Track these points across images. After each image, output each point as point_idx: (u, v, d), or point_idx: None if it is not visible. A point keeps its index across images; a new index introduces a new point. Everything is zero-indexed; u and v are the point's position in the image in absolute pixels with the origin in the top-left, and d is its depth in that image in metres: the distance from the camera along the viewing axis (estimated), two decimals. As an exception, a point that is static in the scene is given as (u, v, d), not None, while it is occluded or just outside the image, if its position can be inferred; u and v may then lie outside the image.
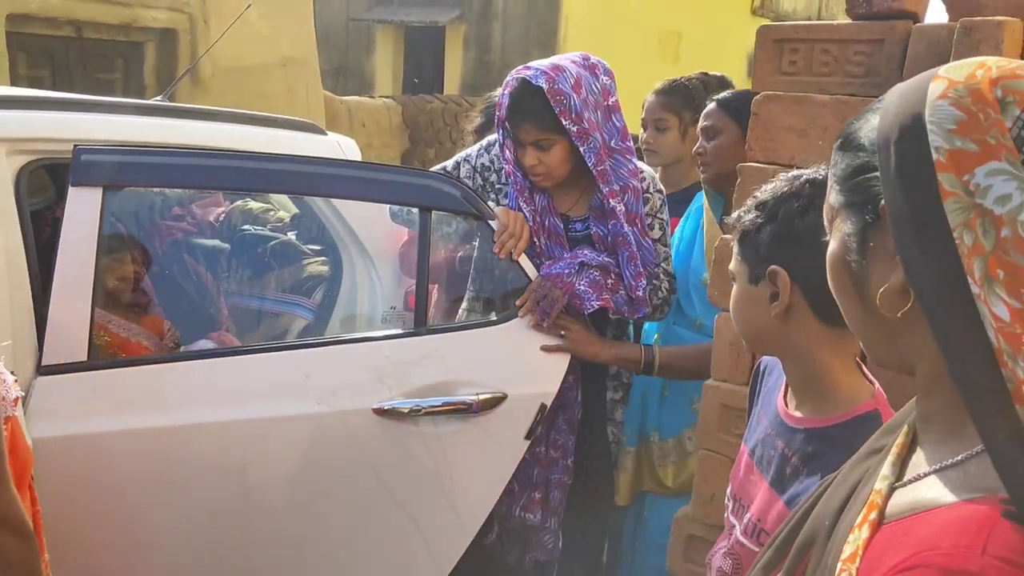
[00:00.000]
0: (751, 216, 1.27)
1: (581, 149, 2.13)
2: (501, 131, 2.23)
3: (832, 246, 0.81)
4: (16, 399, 1.51)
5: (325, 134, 2.93)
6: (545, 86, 2.09)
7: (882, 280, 0.73)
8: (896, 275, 0.71)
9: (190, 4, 7.20)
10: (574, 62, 2.17)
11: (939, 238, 0.66)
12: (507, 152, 2.24)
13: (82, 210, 1.90)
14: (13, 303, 1.85)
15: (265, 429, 1.97)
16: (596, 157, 2.16)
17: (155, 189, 2.91)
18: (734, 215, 1.33)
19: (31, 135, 2.03)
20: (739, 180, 1.91)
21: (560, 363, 2.17)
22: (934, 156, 0.66)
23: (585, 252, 2.24)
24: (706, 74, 2.92)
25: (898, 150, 0.69)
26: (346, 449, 2.01)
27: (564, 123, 2.09)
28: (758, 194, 1.29)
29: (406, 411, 2.02)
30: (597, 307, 2.16)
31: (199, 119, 2.56)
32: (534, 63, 2.20)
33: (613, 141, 2.21)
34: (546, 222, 2.27)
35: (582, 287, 2.16)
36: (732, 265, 1.34)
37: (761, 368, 1.53)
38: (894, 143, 0.69)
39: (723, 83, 2.90)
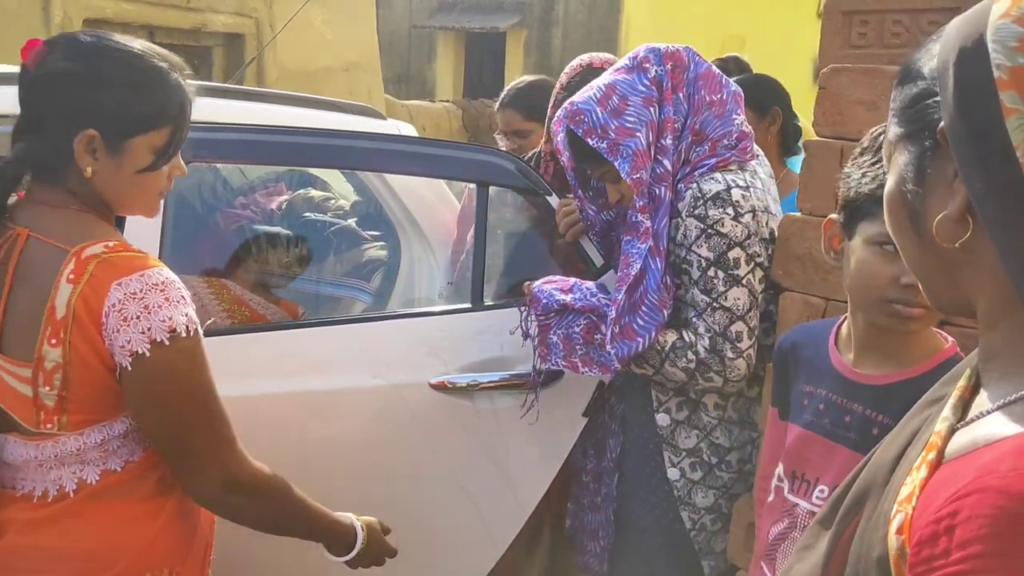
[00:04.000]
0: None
1: (615, 163, 1.86)
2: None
3: (889, 183, 0.79)
4: None
5: (384, 119, 2.97)
6: (572, 125, 1.91)
7: (940, 209, 0.71)
8: (954, 202, 0.70)
9: (257, 9, 7.38)
10: (616, 69, 1.96)
11: (1002, 155, 0.65)
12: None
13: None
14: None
15: (323, 401, 1.98)
16: (631, 165, 1.84)
17: (219, 176, 2.98)
18: (853, 178, 1.26)
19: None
20: (805, 157, 1.86)
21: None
22: (995, 73, 0.65)
23: (585, 288, 1.95)
24: (721, 58, 2.89)
25: (958, 70, 0.68)
26: (403, 422, 2.02)
27: (591, 142, 1.86)
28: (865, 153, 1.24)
29: (462, 386, 2.03)
30: (558, 367, 1.96)
31: (266, 102, 2.63)
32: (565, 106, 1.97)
33: (664, 138, 1.90)
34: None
35: (554, 338, 1.94)
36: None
37: (785, 345, 1.51)
38: (954, 64, 0.68)
39: (740, 65, 2.87)
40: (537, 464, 2.14)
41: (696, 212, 1.81)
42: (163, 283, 1.27)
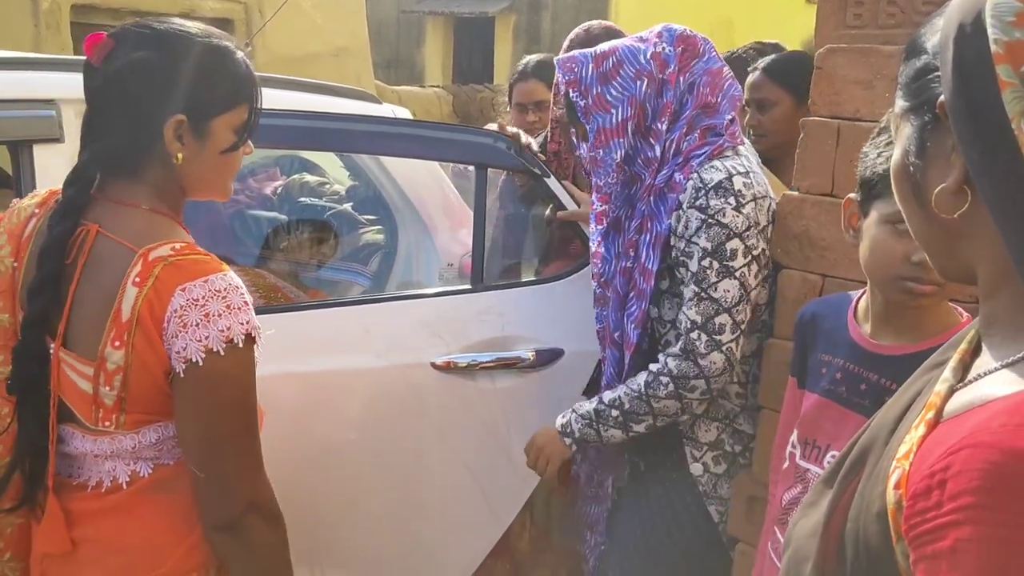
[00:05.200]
0: None
1: (585, 127, 1.86)
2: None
3: (895, 155, 0.81)
4: None
5: (380, 103, 2.97)
6: (561, 72, 1.89)
7: (940, 180, 0.74)
8: (953, 174, 0.72)
9: (246, -6, 7.34)
10: (630, 37, 1.94)
11: (998, 128, 0.67)
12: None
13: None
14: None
15: (327, 381, 2.00)
16: (594, 139, 1.84)
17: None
18: (869, 158, 1.28)
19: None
20: (802, 136, 1.88)
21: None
22: (993, 48, 0.67)
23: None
24: (761, 43, 2.89)
25: (957, 45, 0.70)
26: (406, 402, 2.05)
27: (571, 94, 1.86)
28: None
29: (463, 365, 2.06)
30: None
31: (262, 86, 2.61)
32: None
33: (653, 121, 1.84)
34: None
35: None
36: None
37: (806, 317, 1.54)
38: (954, 39, 0.70)
39: (779, 51, 2.86)
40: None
41: (697, 203, 1.76)
42: (226, 289, 1.25)
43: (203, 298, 1.23)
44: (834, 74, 1.82)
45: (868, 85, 1.79)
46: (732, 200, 1.75)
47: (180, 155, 1.29)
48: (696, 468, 1.89)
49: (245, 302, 1.27)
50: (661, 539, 1.94)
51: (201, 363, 1.23)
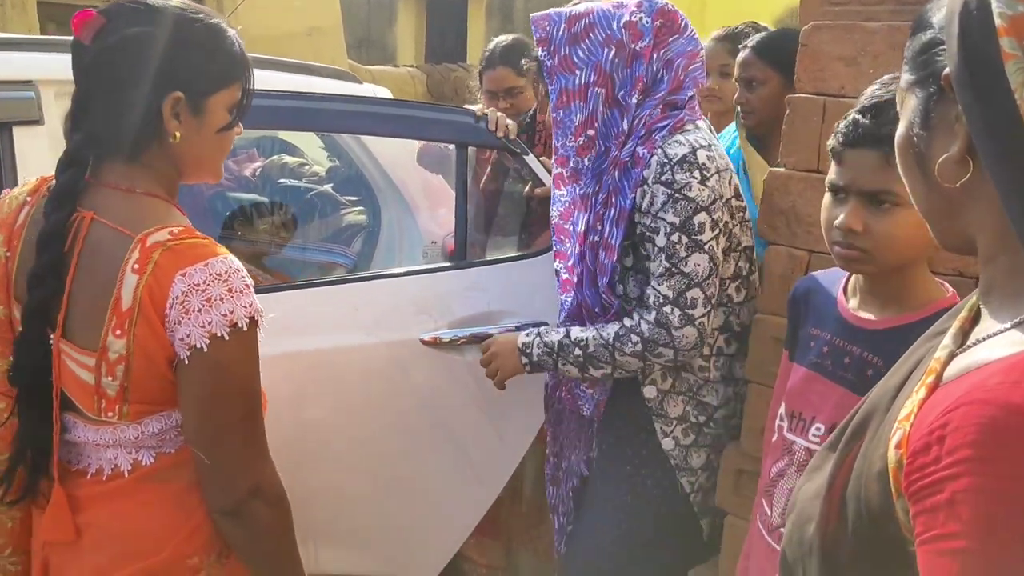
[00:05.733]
0: None
1: (548, 85, 1.87)
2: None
3: (900, 127, 0.84)
4: None
5: (360, 83, 2.95)
6: (534, 27, 1.88)
7: (943, 151, 0.76)
8: (956, 144, 0.75)
9: (216, -28, 7.21)
10: (611, 2, 1.87)
11: (1001, 98, 0.69)
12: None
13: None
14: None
15: (318, 360, 2.01)
16: (556, 100, 1.85)
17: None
18: (884, 130, 1.28)
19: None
20: (788, 113, 1.89)
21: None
22: (997, 22, 0.69)
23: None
24: (756, 24, 2.91)
25: (962, 19, 0.72)
26: (396, 377, 2.09)
27: (540, 51, 1.85)
28: (890, 99, 1.26)
29: (452, 340, 2.10)
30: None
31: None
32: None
33: (622, 93, 1.82)
34: None
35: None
36: (894, 189, 1.29)
37: (799, 291, 1.57)
38: (959, 14, 0.72)
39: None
40: (524, 412, 2.23)
41: (663, 178, 1.75)
42: (227, 272, 1.23)
43: (204, 283, 1.21)
44: (819, 51, 1.84)
45: (852, 61, 1.80)
46: (697, 174, 1.75)
47: (178, 133, 1.27)
48: (668, 443, 1.91)
49: (247, 285, 1.25)
50: (633, 515, 1.95)
51: (206, 349, 1.21)
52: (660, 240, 1.77)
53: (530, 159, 2.37)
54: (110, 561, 1.31)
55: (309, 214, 3.01)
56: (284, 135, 3.37)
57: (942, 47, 0.76)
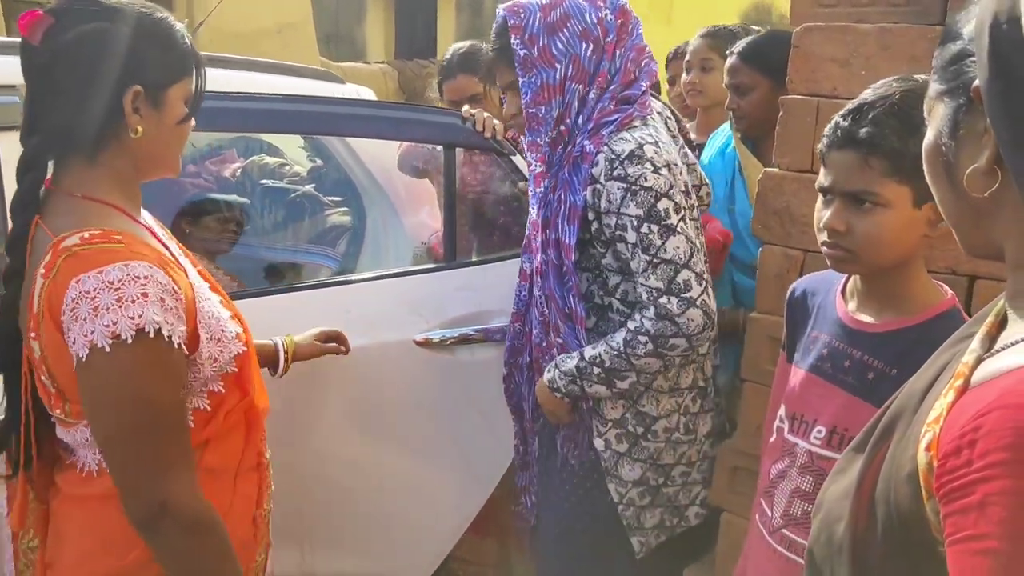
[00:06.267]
0: (914, 136, 1.22)
1: (520, 81, 1.80)
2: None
3: (928, 136, 0.84)
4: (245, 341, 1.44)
5: (343, 83, 2.93)
6: (507, 14, 1.81)
7: (971, 161, 0.77)
8: (984, 155, 0.75)
9: (185, -32, 7.12)
10: None
11: None
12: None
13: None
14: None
15: (312, 362, 1.99)
16: (533, 95, 1.79)
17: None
18: (862, 131, 1.30)
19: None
20: (781, 114, 1.90)
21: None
22: None
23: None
24: (744, 26, 2.95)
25: (992, 31, 0.72)
26: (391, 378, 2.11)
27: (514, 41, 1.78)
28: (889, 108, 1.28)
29: (444, 340, 2.12)
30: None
31: (222, 67, 2.55)
32: None
33: (591, 91, 1.81)
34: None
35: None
36: (870, 190, 1.31)
37: (797, 293, 1.57)
38: (990, 27, 0.73)
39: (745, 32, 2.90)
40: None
41: (615, 173, 1.73)
42: (120, 280, 1.18)
43: (94, 290, 1.18)
44: (811, 52, 1.85)
45: (844, 63, 1.82)
46: (648, 165, 1.74)
47: (139, 127, 1.27)
48: (598, 443, 1.89)
49: (143, 295, 1.19)
50: (574, 509, 1.95)
51: (84, 359, 1.18)
52: (630, 236, 1.74)
53: (517, 159, 2.37)
54: (83, 556, 1.32)
55: (292, 215, 2.98)
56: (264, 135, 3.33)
57: (972, 58, 0.77)
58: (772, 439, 1.54)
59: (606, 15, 1.82)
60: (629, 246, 1.75)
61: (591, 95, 1.80)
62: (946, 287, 1.38)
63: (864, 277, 1.39)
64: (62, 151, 1.28)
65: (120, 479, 1.26)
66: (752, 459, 1.92)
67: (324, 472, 2.09)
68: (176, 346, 1.24)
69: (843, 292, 1.47)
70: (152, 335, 1.20)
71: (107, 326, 1.17)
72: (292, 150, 3.43)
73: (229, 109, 2.04)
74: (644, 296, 1.76)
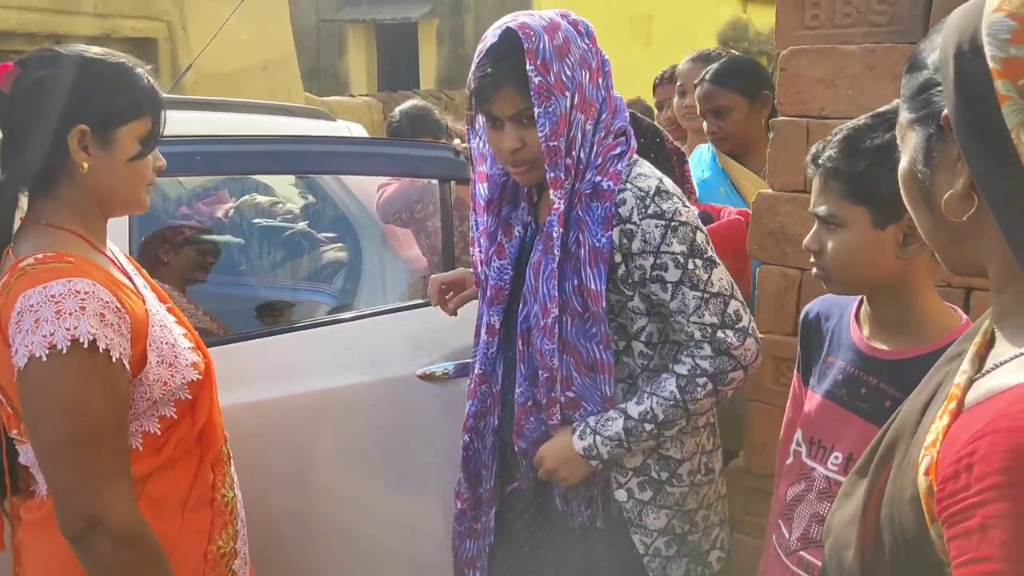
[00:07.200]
0: (863, 160, 1.28)
1: (536, 111, 1.58)
2: (472, 116, 1.75)
3: (903, 162, 0.86)
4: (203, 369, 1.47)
5: (335, 120, 2.95)
6: (521, 33, 1.58)
7: (947, 187, 0.78)
8: (959, 181, 0.77)
9: (167, 12, 7.17)
10: (553, 15, 1.66)
11: (999, 139, 0.71)
12: (479, 144, 1.77)
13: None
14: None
15: (314, 401, 2.02)
16: (552, 126, 1.58)
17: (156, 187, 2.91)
18: (823, 156, 1.34)
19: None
20: (772, 136, 1.94)
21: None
22: (991, 65, 0.71)
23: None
24: (726, 50, 3.03)
25: (957, 62, 0.74)
26: (395, 413, 2.11)
27: (529, 66, 1.56)
28: (847, 133, 1.32)
29: (447, 373, 2.13)
30: None
31: (215, 110, 2.58)
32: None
33: (604, 116, 1.66)
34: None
35: None
36: (831, 211, 1.33)
37: (811, 315, 1.55)
38: (953, 56, 0.75)
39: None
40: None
41: (650, 211, 1.60)
42: (62, 295, 1.24)
43: (37, 304, 1.23)
44: (798, 74, 1.89)
45: (831, 84, 1.86)
46: (676, 199, 1.64)
47: (86, 164, 1.34)
48: (620, 494, 1.73)
49: (81, 308, 1.24)
50: (594, 567, 1.78)
51: (23, 368, 1.23)
52: (672, 274, 1.62)
53: None
54: None
55: (288, 253, 2.99)
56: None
57: (938, 88, 0.78)
58: (789, 461, 1.51)
59: (586, 43, 1.66)
60: (669, 285, 1.62)
61: (588, 126, 1.65)
62: (959, 309, 1.37)
63: (869, 301, 1.39)
64: (27, 186, 1.37)
65: (54, 492, 1.28)
66: (758, 479, 1.93)
67: (327, 509, 2.08)
68: (115, 360, 1.27)
69: (856, 317, 1.45)
70: (86, 346, 1.23)
71: (45, 336, 1.22)
72: (284, 188, 3.45)
73: (227, 153, 2.06)
74: (698, 334, 1.63)
